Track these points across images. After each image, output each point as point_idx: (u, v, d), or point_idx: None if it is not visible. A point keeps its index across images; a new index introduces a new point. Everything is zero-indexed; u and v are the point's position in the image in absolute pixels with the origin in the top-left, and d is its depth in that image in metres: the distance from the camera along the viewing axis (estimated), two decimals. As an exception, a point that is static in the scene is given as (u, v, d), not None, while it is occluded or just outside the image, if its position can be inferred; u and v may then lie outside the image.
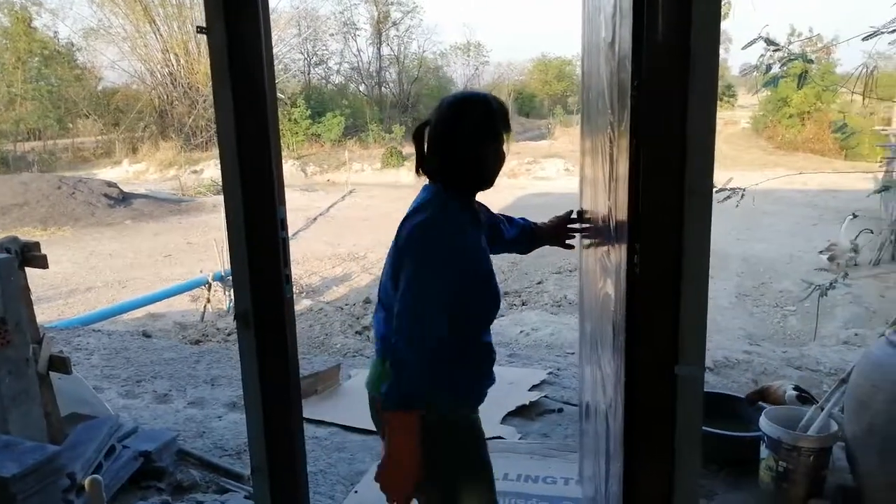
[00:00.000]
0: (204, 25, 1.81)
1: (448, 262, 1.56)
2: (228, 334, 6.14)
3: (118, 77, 24.18)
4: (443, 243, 1.57)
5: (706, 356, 4.78)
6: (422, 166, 1.71)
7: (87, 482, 1.98)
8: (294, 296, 2.06)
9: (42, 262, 3.03)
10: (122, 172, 20.23)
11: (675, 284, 1.41)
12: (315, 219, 14.34)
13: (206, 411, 3.78)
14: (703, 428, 2.77)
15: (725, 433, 2.93)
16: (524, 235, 2.12)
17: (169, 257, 9.97)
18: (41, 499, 2.26)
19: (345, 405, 3.71)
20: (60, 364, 3.02)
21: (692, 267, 1.37)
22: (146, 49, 23.30)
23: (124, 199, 14.27)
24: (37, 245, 3.04)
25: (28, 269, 3.00)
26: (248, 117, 1.87)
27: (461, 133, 1.63)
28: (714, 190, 3.92)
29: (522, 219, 2.15)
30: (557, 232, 2.16)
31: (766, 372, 4.70)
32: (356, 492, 2.88)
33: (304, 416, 2.25)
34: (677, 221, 1.34)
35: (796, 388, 3.02)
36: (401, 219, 1.64)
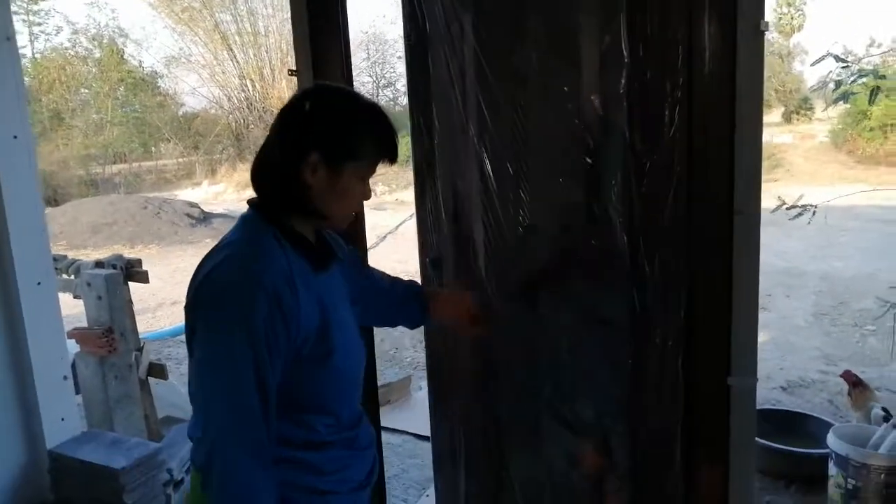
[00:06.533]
0: (295, 69, 2.03)
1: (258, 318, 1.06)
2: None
3: (197, 102, 25.14)
4: (243, 291, 1.08)
5: (780, 376, 4.64)
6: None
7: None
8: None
9: (143, 277, 3.30)
10: (202, 193, 21.05)
11: (727, 301, 1.50)
12: (384, 237, 14.62)
13: (286, 418, 4.00)
14: (773, 444, 2.82)
15: (794, 450, 2.95)
16: (414, 299, 1.52)
17: (246, 274, 10.40)
18: (144, 490, 2.50)
19: (416, 415, 3.85)
20: (158, 370, 3.27)
21: (742, 284, 1.46)
22: (224, 76, 24.26)
23: (205, 218, 14.88)
24: (139, 262, 3.30)
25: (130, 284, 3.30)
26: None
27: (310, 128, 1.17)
28: (784, 207, 3.86)
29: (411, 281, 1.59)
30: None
31: (841, 392, 4.58)
32: (428, 496, 3.01)
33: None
34: (727, 241, 1.43)
35: (884, 409, 3.01)
36: None
